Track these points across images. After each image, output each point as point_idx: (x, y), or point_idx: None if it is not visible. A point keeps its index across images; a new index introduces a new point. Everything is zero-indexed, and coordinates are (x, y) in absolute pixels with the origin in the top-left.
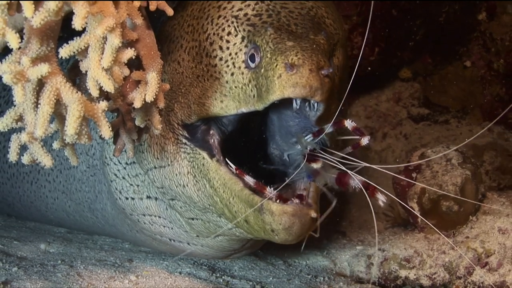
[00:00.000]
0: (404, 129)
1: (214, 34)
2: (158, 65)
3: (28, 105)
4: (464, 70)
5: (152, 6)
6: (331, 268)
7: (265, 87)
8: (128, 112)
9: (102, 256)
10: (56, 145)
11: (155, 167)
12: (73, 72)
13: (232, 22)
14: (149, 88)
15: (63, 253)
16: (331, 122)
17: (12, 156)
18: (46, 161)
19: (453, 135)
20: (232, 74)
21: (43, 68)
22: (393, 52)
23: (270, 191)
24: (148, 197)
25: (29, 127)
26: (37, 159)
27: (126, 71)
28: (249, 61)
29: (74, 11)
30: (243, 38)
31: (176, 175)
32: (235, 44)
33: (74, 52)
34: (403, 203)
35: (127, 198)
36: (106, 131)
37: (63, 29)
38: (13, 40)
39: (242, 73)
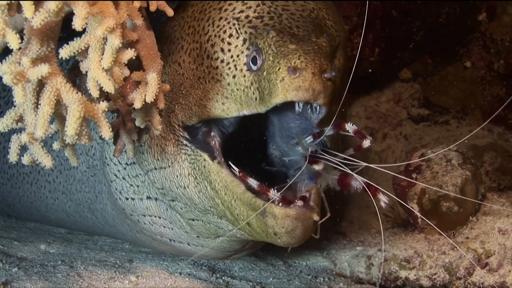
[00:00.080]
0: (404, 130)
1: (215, 36)
2: (158, 65)
3: (28, 105)
4: (464, 71)
5: (152, 7)
6: (331, 269)
7: (267, 90)
8: (128, 113)
9: (102, 257)
10: (56, 145)
11: (156, 168)
12: (73, 72)
13: (234, 24)
14: (149, 89)
15: (63, 254)
16: (332, 124)
17: (12, 156)
18: (46, 161)
19: (453, 135)
20: (234, 76)
21: (43, 69)
22: (393, 52)
23: (273, 193)
24: (148, 197)
25: (29, 127)
26: (37, 160)
27: (126, 72)
28: (251, 63)
29: (74, 11)
30: (244, 40)
31: (177, 176)
32: (236, 46)
33: (74, 53)
34: (403, 203)
35: (127, 199)
36: (106, 132)
37: (63, 30)
38: (13, 41)
39: (244, 76)
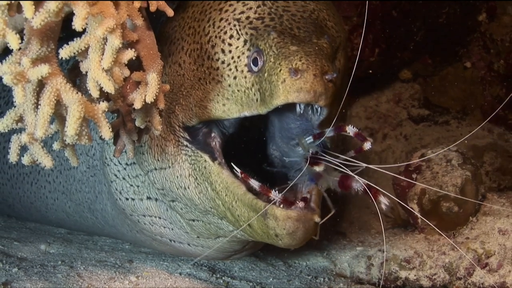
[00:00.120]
0: (404, 130)
1: (216, 37)
2: (159, 66)
3: (29, 106)
4: (464, 71)
5: (153, 7)
6: (331, 269)
7: (268, 91)
8: (128, 113)
9: (102, 257)
10: (56, 146)
11: (156, 169)
12: (73, 73)
13: (234, 25)
14: (149, 89)
15: (63, 254)
16: (333, 126)
17: (13, 157)
18: (46, 162)
19: (453, 136)
20: (235, 77)
21: (43, 69)
22: (393, 53)
23: (275, 194)
24: (148, 198)
25: (30, 128)
26: (37, 160)
27: (126, 72)
28: (252, 65)
29: (74, 12)
30: (245, 41)
31: (177, 177)
32: (237, 47)
33: (74, 53)
34: (403, 204)
35: (127, 199)
36: (106, 132)
37: (63, 30)
38: (13, 41)
39: (245, 77)
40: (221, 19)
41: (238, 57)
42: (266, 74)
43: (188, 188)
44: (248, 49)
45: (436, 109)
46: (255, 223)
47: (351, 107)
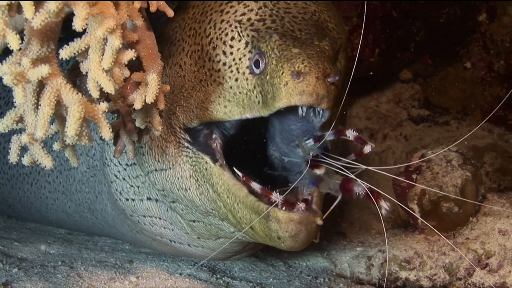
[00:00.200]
0: (405, 131)
1: (217, 38)
2: (159, 66)
3: (29, 106)
4: (465, 71)
5: (153, 7)
6: (331, 269)
7: (271, 94)
8: (128, 114)
9: (103, 257)
10: (56, 146)
11: (156, 170)
12: (74, 73)
13: (236, 27)
14: (150, 90)
15: (64, 254)
16: (333, 130)
17: (13, 157)
18: (46, 162)
19: (453, 136)
20: (236, 79)
21: (44, 70)
22: (393, 53)
23: (276, 196)
24: (149, 198)
25: (30, 128)
26: (37, 160)
27: (127, 73)
28: (253, 67)
29: (74, 12)
30: (247, 43)
31: (178, 178)
32: (238, 49)
33: (74, 53)
34: (403, 206)
35: (127, 199)
36: (106, 132)
37: (63, 30)
38: (13, 41)
39: (247, 79)
40: (222, 20)
41: (240, 59)
42: (268, 77)
43: (189, 189)
44: (250, 51)
45: (436, 110)
46: (257, 226)
47: (351, 108)
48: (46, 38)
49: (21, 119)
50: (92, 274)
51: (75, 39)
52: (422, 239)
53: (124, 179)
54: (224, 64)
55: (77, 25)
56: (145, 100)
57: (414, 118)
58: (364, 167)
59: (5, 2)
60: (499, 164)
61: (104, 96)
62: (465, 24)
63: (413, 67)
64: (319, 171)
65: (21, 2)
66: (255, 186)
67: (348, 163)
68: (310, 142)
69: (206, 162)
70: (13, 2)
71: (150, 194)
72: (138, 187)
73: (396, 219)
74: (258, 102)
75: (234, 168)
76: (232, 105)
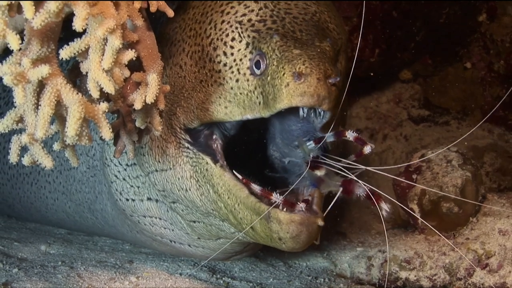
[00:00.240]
0: (405, 131)
1: (217, 39)
2: (159, 66)
3: (29, 106)
4: (465, 72)
5: (153, 8)
6: (331, 270)
7: (272, 95)
8: (128, 114)
9: (103, 258)
10: (56, 146)
11: (157, 170)
12: (74, 73)
13: (236, 28)
14: (150, 90)
15: (64, 254)
16: (333, 132)
17: (13, 157)
18: (46, 162)
19: (454, 136)
20: (237, 80)
21: (44, 70)
22: (393, 53)
23: (276, 196)
24: (149, 199)
25: (30, 128)
26: (37, 161)
27: (127, 73)
28: (254, 67)
29: (74, 12)
30: (247, 44)
31: (178, 179)
32: (239, 50)
33: (74, 54)
34: (403, 206)
35: (127, 200)
36: (106, 133)
37: (63, 30)
38: (13, 42)
39: (248, 80)
40: (223, 21)
41: (240, 59)
42: (269, 78)
43: (190, 190)
44: (251, 52)
45: (436, 110)
46: (258, 226)
47: (351, 108)
48: (46, 38)
49: (21, 119)
50: (92, 274)
51: (75, 39)
52: (422, 239)
53: (124, 179)
54: (225, 64)
55: (77, 25)
56: (145, 100)
57: (414, 118)
58: (364, 167)
59: (5, 2)
60: (499, 164)
61: (104, 96)
62: (465, 24)
63: (413, 67)
64: (319, 172)
65: (21, 2)
66: (255, 187)
67: (349, 164)
68: (311, 143)
69: (207, 163)
70: (13, 2)
71: (150, 194)
72: (138, 187)
73: (396, 219)
74: (259, 103)
75: (235, 172)
76: (232, 106)
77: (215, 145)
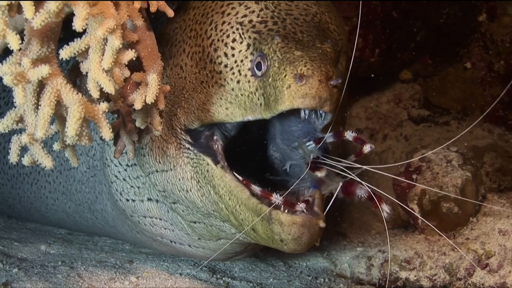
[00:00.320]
0: (405, 131)
1: (218, 40)
2: (159, 66)
3: (29, 106)
4: (465, 72)
5: (153, 8)
6: (331, 270)
7: (273, 96)
8: (128, 114)
9: (103, 258)
10: (56, 146)
11: (157, 171)
12: (74, 73)
13: (237, 29)
14: (150, 90)
15: (64, 255)
16: (333, 133)
17: (13, 157)
18: (46, 162)
19: (454, 136)
20: (238, 81)
21: (44, 70)
22: (393, 53)
23: (276, 197)
24: (149, 199)
25: (30, 128)
26: (37, 161)
27: (127, 73)
28: (255, 69)
29: (74, 12)
30: (248, 45)
31: (179, 179)
32: (240, 51)
33: (74, 54)
34: (404, 206)
35: (127, 200)
36: (106, 133)
37: (63, 30)
38: (13, 42)
39: (249, 81)
40: (224, 22)
41: (241, 61)
42: (270, 79)
43: (190, 191)
44: (252, 53)
45: (436, 110)
46: (259, 228)
47: (351, 108)
48: (46, 38)
49: (21, 119)
50: (92, 274)
51: (75, 39)
52: (422, 239)
53: (124, 179)
54: (226, 66)
55: (77, 25)
56: (145, 100)
57: (414, 118)
58: (364, 167)
59: (5, 2)
60: (499, 164)
61: (104, 96)
62: (465, 24)
63: (413, 67)
64: (320, 174)
65: (21, 2)
66: (255, 188)
67: (349, 164)
68: (311, 144)
69: (208, 164)
70: (13, 2)
71: (151, 195)
72: (138, 187)
73: (396, 219)
74: (260, 105)
75: (235, 173)
76: (233, 107)
77: (216, 146)
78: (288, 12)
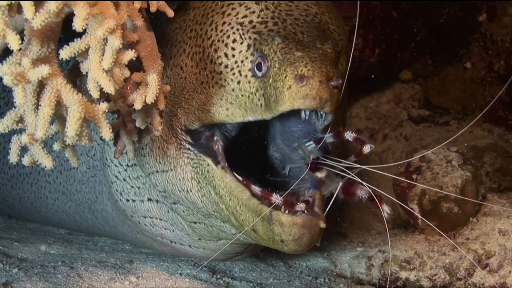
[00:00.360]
0: (405, 131)
1: (218, 40)
2: (159, 66)
3: (29, 106)
4: (465, 72)
5: (153, 8)
6: (331, 270)
7: (274, 97)
8: (128, 114)
9: (103, 258)
10: (56, 146)
11: (157, 171)
12: (74, 73)
13: (238, 30)
14: (150, 90)
15: (64, 255)
16: (333, 133)
17: (13, 157)
18: (46, 162)
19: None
20: (239, 82)
21: (44, 70)
22: (393, 53)
23: (276, 197)
24: (149, 199)
25: (30, 128)
26: (37, 161)
27: (127, 73)
28: (255, 69)
29: (74, 12)
30: (249, 46)
31: (179, 180)
32: (240, 52)
33: (74, 54)
34: (404, 205)
35: (127, 200)
36: (106, 133)
37: (63, 30)
38: (13, 42)
39: (249, 82)
40: (224, 23)
41: (242, 61)
42: (271, 80)
43: (191, 191)
44: (252, 54)
45: (436, 110)
46: (260, 229)
47: (351, 108)
48: (46, 38)
49: (21, 119)
50: (92, 274)
51: (75, 39)
52: (422, 239)
53: (124, 180)
54: (226, 66)
55: (77, 25)
56: (145, 100)
57: (414, 118)
58: (364, 167)
59: (5, 2)
60: (499, 164)
61: (104, 96)
62: (465, 24)
63: (413, 67)
64: (320, 174)
65: (21, 2)
66: (255, 188)
67: (349, 164)
68: (311, 144)
69: (208, 164)
70: (13, 2)
71: (151, 195)
72: (138, 188)
73: (396, 219)
74: (261, 105)
75: (235, 174)
76: (234, 108)
77: (216, 147)
78: (288, 13)
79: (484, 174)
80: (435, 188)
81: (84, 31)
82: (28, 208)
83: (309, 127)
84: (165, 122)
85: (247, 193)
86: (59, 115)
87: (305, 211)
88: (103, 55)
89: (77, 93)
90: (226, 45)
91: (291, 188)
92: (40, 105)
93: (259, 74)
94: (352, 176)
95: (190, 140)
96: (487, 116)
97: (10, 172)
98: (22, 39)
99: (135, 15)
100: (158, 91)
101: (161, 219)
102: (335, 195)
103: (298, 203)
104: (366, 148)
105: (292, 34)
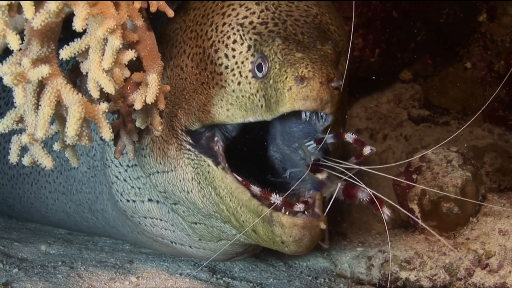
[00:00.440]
0: (405, 131)
1: (219, 41)
2: (159, 66)
3: (29, 106)
4: (465, 72)
5: (153, 8)
6: (331, 270)
7: (274, 98)
8: (128, 114)
9: (103, 258)
10: (56, 146)
11: (158, 172)
12: (74, 73)
13: (238, 30)
14: (150, 90)
15: (64, 255)
16: (333, 134)
17: (13, 157)
18: (46, 162)
19: (453, 136)
20: (239, 83)
21: (44, 70)
22: (393, 53)
23: (275, 197)
24: (150, 200)
25: (30, 128)
26: (37, 161)
27: (127, 73)
28: (256, 70)
29: (74, 12)
30: (249, 47)
31: (180, 180)
32: (241, 52)
33: (74, 54)
34: (403, 210)
35: (128, 201)
36: (106, 133)
37: (63, 30)
38: (13, 42)
39: (249, 83)
40: (224, 23)
41: (242, 62)
42: (271, 81)
43: (191, 192)
44: (252, 55)
45: (436, 110)
46: (260, 230)
47: (351, 108)
48: (46, 38)
49: (21, 119)
50: (92, 274)
51: (75, 39)
52: (422, 239)
53: (125, 180)
54: (226, 67)
55: (77, 25)
56: (145, 100)
57: (414, 118)
58: (364, 167)
59: (5, 2)
60: (499, 164)
61: (104, 96)
62: (465, 24)
63: (413, 67)
64: (320, 176)
65: (21, 2)
66: (255, 189)
67: (347, 164)
68: (311, 144)
69: (208, 165)
70: (13, 2)
71: (151, 195)
72: (139, 188)
73: (396, 219)
74: (261, 106)
75: (234, 174)
76: (234, 109)
77: (217, 147)
78: (288, 13)
79: (484, 174)
80: (435, 188)
81: (84, 31)
82: (28, 208)
83: (309, 127)
84: (166, 123)
85: (248, 194)
86: (59, 115)
87: (306, 212)
88: (103, 55)
89: (77, 93)
90: (226, 46)
91: (291, 189)
92: (40, 105)
93: (259, 75)
94: (353, 179)
95: (190, 141)
96: (487, 116)
97: (10, 172)
98: (22, 39)
99: (135, 15)
100: (158, 91)
101: (161, 220)
102: (334, 196)
103: (297, 204)
104: (366, 150)
105: (292, 35)
